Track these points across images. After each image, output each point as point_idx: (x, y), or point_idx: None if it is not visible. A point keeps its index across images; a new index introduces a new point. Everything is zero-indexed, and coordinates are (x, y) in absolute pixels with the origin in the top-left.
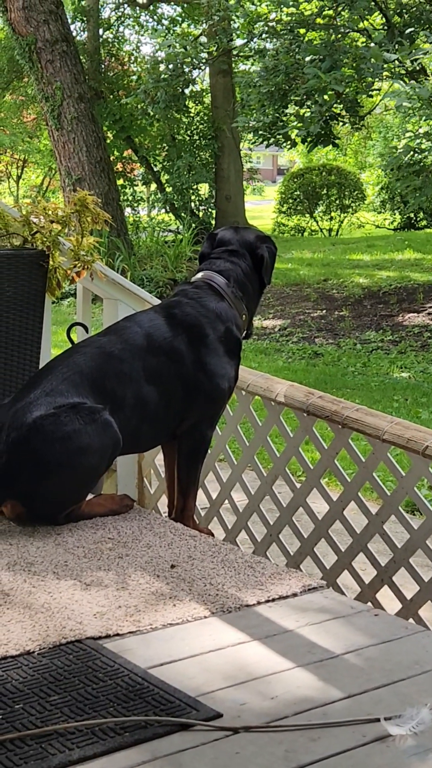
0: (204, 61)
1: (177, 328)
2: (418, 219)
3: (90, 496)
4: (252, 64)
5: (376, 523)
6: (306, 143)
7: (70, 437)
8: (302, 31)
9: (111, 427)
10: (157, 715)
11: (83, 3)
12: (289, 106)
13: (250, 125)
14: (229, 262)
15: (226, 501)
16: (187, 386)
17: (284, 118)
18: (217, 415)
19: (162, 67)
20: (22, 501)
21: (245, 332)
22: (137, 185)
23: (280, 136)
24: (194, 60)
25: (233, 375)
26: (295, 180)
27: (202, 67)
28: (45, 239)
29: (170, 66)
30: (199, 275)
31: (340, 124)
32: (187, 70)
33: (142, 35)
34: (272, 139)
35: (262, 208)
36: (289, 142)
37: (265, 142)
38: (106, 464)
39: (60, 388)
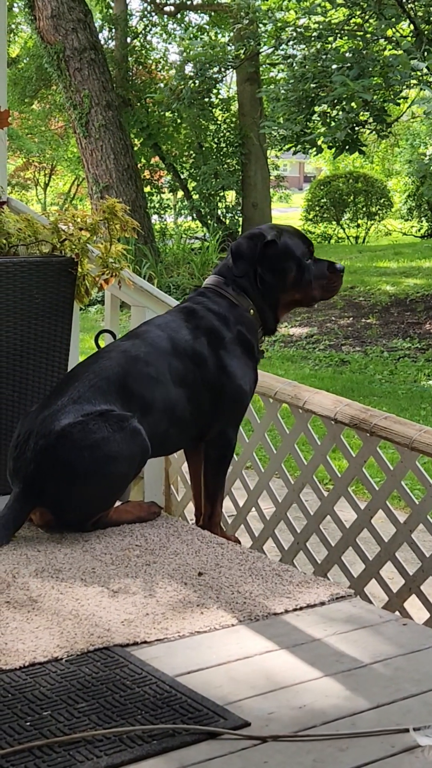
0: (229, 63)
1: (196, 331)
2: None
3: (117, 503)
4: (279, 71)
5: (404, 532)
6: (332, 149)
7: (98, 445)
8: (330, 39)
9: (140, 435)
10: (185, 723)
11: (111, 11)
12: (315, 111)
13: (278, 133)
14: (225, 261)
15: (253, 509)
16: (212, 389)
17: (310, 125)
18: (241, 417)
19: (189, 67)
20: (51, 508)
21: (261, 327)
22: (164, 193)
23: (307, 144)
24: (220, 63)
25: (253, 376)
26: (322, 187)
27: (228, 69)
28: (74, 247)
29: (197, 65)
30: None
31: (367, 131)
32: (211, 71)
33: (170, 43)
34: (299, 147)
35: (288, 216)
36: (315, 148)
37: (293, 150)
38: (134, 472)
39: (87, 395)
